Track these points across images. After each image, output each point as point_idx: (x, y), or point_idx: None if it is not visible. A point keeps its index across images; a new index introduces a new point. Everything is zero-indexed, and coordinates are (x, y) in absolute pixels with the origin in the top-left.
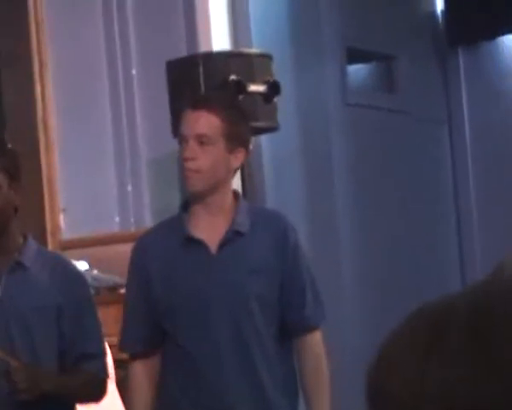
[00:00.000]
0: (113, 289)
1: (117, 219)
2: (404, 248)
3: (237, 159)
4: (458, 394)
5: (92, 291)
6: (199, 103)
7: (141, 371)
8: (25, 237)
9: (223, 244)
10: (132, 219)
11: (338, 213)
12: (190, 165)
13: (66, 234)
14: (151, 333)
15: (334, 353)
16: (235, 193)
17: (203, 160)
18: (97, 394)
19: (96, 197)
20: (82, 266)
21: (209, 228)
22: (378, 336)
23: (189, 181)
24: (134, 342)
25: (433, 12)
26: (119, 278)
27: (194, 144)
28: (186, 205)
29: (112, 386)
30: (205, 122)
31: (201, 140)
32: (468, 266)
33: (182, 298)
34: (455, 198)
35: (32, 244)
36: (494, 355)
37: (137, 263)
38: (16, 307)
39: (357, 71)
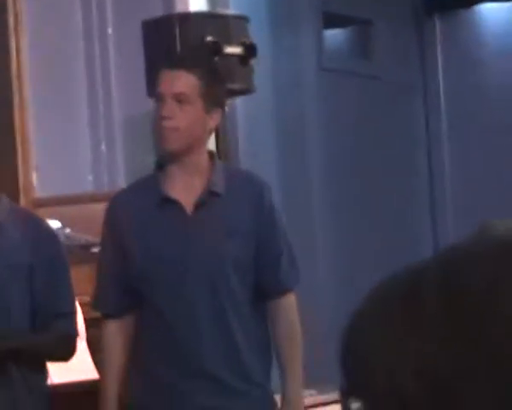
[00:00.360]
0: (86, 247)
1: (90, 178)
2: (378, 215)
3: (214, 119)
4: (440, 366)
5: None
6: (177, 62)
7: (114, 332)
8: None
9: (199, 205)
10: (106, 179)
11: (310, 178)
12: (167, 123)
13: (39, 192)
14: (125, 294)
15: (307, 318)
16: (210, 153)
17: (181, 119)
18: (67, 352)
19: (69, 156)
20: (54, 224)
21: (185, 188)
22: (351, 303)
23: (165, 140)
24: (107, 302)
25: None
26: (91, 237)
27: (171, 103)
28: (161, 165)
29: (83, 345)
30: (183, 81)
31: (179, 99)
32: (441, 234)
33: (157, 259)
34: (429, 165)
35: (5, 202)
36: (467, 324)
37: (111, 223)
38: None
39: (333, 36)
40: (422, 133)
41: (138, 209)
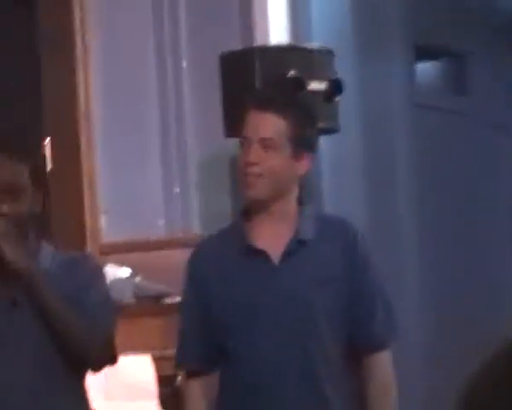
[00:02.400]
0: (158, 298)
1: (162, 222)
2: (470, 257)
3: (303, 165)
4: None
5: (134, 300)
6: (265, 103)
7: (197, 391)
8: (38, 242)
9: (286, 254)
10: (179, 224)
11: (401, 221)
12: (253, 170)
13: (108, 237)
14: (208, 349)
15: (399, 373)
16: (299, 199)
17: (267, 165)
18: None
19: (140, 199)
20: (124, 272)
21: (271, 237)
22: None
23: (250, 187)
24: (191, 358)
25: (511, 6)
26: (163, 286)
27: (258, 148)
28: (246, 212)
29: (154, 403)
30: (272, 126)
31: (266, 144)
32: None
33: (242, 313)
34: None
35: (47, 248)
36: None
37: (194, 274)
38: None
39: (425, 69)
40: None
41: (222, 259)
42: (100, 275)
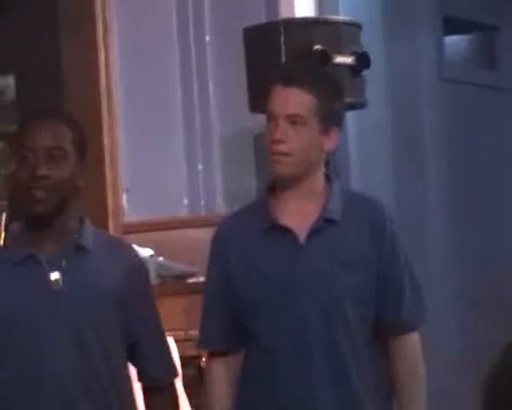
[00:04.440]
0: (181, 278)
1: (185, 201)
2: (497, 238)
3: (331, 140)
4: None
5: (158, 280)
6: (290, 78)
7: (220, 371)
8: (81, 220)
9: (312, 233)
10: (202, 202)
11: (428, 198)
12: (281, 148)
13: (130, 216)
14: (232, 330)
15: (428, 355)
16: (326, 176)
17: (295, 142)
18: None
19: (162, 177)
20: (146, 252)
21: (297, 215)
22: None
23: (277, 165)
24: (214, 338)
25: None
26: (187, 266)
27: (284, 125)
28: (272, 188)
29: (178, 385)
30: (299, 101)
31: (293, 120)
32: None
33: (266, 292)
34: None
35: (89, 227)
36: None
37: (218, 253)
38: (78, 299)
39: (454, 43)
40: None
41: (247, 238)
42: (150, 295)
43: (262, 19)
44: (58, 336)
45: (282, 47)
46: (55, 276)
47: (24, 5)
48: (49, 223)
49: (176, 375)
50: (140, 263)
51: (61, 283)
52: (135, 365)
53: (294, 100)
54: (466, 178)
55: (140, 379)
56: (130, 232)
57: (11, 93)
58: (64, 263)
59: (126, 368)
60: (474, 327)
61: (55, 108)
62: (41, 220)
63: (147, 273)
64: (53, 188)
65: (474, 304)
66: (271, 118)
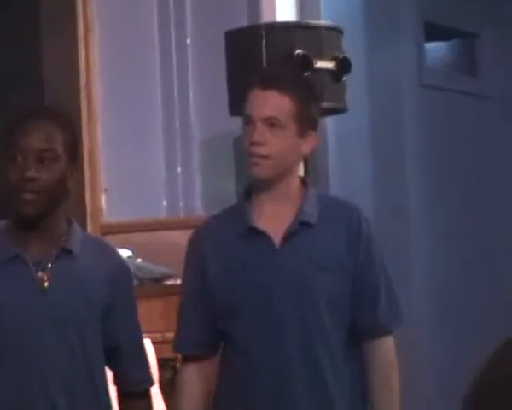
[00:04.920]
0: (159, 280)
1: (164, 203)
2: (479, 242)
3: (308, 144)
4: None
5: (135, 282)
6: (268, 82)
7: (194, 375)
8: (69, 222)
9: (288, 236)
10: (181, 204)
11: (409, 205)
12: (258, 150)
13: (108, 217)
14: (208, 334)
15: (405, 361)
16: (302, 180)
17: (273, 145)
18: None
19: (141, 178)
20: (124, 253)
21: (273, 218)
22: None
23: (255, 167)
24: (189, 342)
25: None
26: (165, 268)
27: (262, 128)
28: (248, 193)
29: (155, 389)
30: (276, 104)
31: (271, 123)
32: None
33: (243, 296)
34: None
35: (77, 230)
36: None
37: (195, 255)
38: (64, 300)
39: (435, 49)
40: None
41: (224, 240)
42: (135, 307)
43: (243, 22)
44: (42, 336)
45: (264, 51)
46: (40, 277)
47: (6, 4)
48: (38, 224)
49: (151, 383)
50: (126, 268)
51: (46, 284)
52: (111, 368)
53: (272, 103)
54: (446, 184)
55: (116, 383)
56: (108, 233)
57: None
58: (50, 265)
59: (104, 370)
60: (456, 337)
61: (48, 109)
62: (29, 222)
63: (131, 279)
64: (42, 190)
65: (457, 311)
66: (249, 121)
